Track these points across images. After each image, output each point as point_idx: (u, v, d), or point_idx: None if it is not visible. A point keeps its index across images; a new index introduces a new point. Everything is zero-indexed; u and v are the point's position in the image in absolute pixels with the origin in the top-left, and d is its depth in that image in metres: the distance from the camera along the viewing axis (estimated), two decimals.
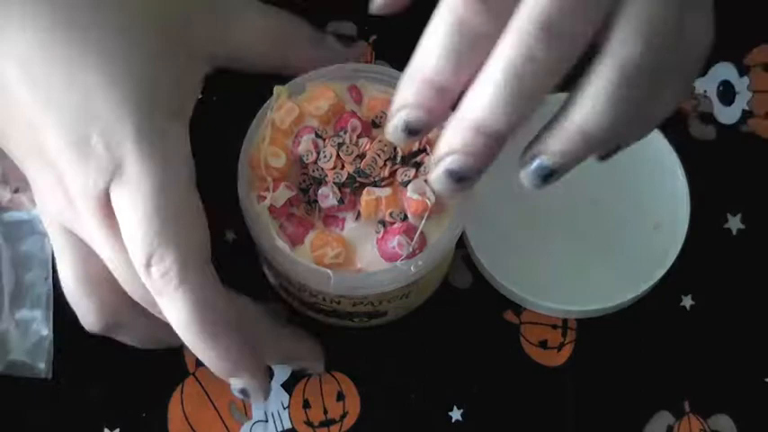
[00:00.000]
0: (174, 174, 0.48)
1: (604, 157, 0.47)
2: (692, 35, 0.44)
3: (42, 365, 0.57)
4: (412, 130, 0.44)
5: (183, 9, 0.51)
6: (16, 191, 0.58)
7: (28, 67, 0.48)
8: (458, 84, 0.43)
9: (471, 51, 0.42)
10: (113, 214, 0.48)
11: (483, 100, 0.42)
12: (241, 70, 0.52)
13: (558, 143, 0.43)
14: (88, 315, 0.51)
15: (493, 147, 0.43)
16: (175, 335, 0.49)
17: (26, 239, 0.58)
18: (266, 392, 0.52)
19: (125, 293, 0.50)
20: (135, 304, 0.51)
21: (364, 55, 0.60)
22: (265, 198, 0.50)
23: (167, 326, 0.50)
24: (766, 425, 0.58)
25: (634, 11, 0.42)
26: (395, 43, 0.60)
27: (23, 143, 0.49)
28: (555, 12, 0.41)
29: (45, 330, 0.57)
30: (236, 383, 0.51)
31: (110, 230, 0.48)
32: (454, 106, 0.43)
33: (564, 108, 0.43)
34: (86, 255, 0.50)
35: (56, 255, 0.52)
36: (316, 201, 0.50)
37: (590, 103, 0.42)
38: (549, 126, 0.43)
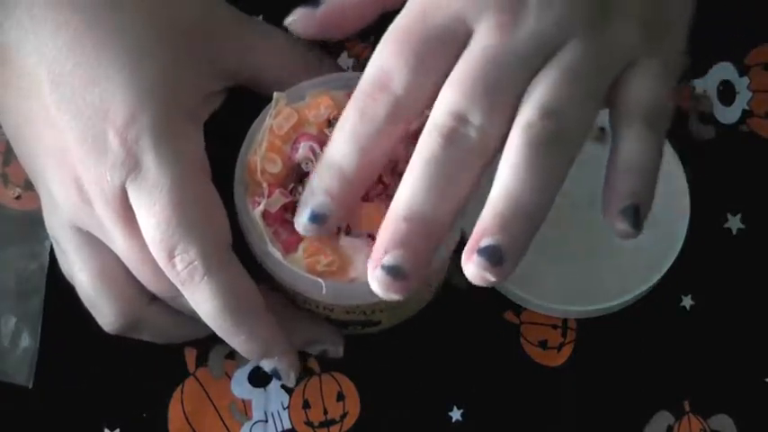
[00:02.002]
0: (190, 167, 0.49)
1: (636, 224, 0.47)
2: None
3: (24, 374, 0.57)
4: (317, 217, 0.47)
5: (208, 21, 0.52)
6: (18, 197, 0.58)
7: (54, 68, 0.49)
8: (362, 171, 0.47)
9: (373, 137, 0.46)
10: (131, 210, 0.49)
11: (408, 189, 0.45)
12: (257, 90, 0.53)
13: (491, 220, 0.44)
14: (108, 315, 0.52)
15: (427, 236, 0.45)
16: (194, 328, 0.52)
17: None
18: (297, 370, 0.53)
19: (143, 290, 0.51)
20: (153, 301, 0.52)
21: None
22: (259, 203, 0.50)
23: (186, 319, 0.51)
24: (766, 425, 0.58)
25: (535, 91, 0.45)
26: None
27: (40, 143, 0.50)
28: (465, 102, 0.45)
29: (28, 340, 0.57)
30: (267, 365, 0.52)
31: (127, 226, 0.49)
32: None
33: (492, 192, 0.45)
34: (102, 254, 0.51)
35: (68, 258, 0.52)
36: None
37: (509, 179, 0.44)
38: (484, 212, 0.45)
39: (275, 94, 0.51)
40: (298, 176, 0.50)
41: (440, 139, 0.45)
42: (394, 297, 0.45)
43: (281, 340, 0.52)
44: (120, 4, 0.49)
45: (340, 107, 0.51)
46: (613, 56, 0.46)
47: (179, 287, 0.49)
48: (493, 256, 0.44)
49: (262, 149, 0.50)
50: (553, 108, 0.44)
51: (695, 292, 0.59)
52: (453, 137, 0.44)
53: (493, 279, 0.44)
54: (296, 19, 0.52)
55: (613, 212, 0.47)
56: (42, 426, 0.57)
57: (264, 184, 0.50)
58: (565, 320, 0.58)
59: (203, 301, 0.49)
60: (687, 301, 0.59)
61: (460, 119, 0.44)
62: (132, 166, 0.48)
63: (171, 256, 0.48)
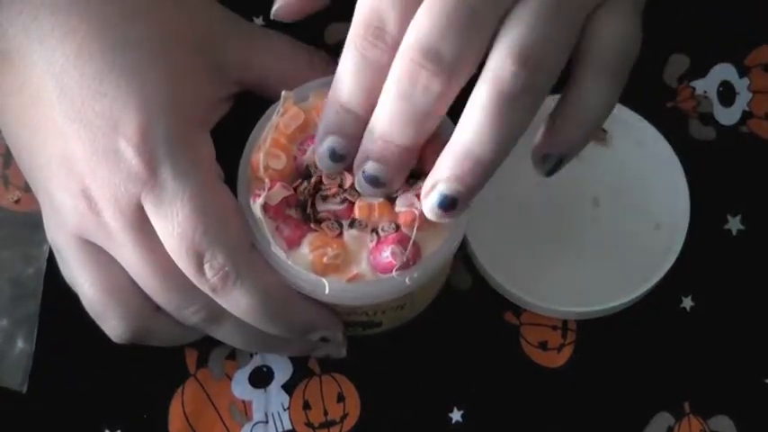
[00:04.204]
0: (207, 174, 0.49)
1: (550, 172, 0.50)
2: (602, 40, 0.47)
3: (19, 378, 0.57)
4: (336, 155, 0.49)
5: (213, 30, 0.52)
6: (18, 201, 0.58)
7: (62, 77, 0.49)
8: (371, 109, 0.47)
9: (378, 80, 0.47)
10: (144, 222, 0.49)
11: (379, 116, 0.47)
12: (263, 94, 0.53)
13: (449, 169, 0.46)
14: (116, 327, 0.52)
15: (403, 165, 0.48)
16: (200, 332, 0.53)
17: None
18: (344, 343, 0.55)
19: (149, 300, 0.51)
20: (159, 309, 0.52)
21: None
22: (259, 196, 0.49)
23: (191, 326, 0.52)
24: (766, 425, 0.58)
25: (510, 33, 0.45)
26: None
27: (44, 153, 0.50)
28: (434, 39, 0.45)
29: (22, 345, 0.57)
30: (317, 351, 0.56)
31: (139, 238, 0.49)
32: None
33: (454, 133, 0.46)
34: (108, 266, 0.51)
35: (72, 269, 0.52)
36: (313, 207, 0.50)
37: (471, 126, 0.45)
38: (442, 153, 0.46)
39: (283, 92, 0.51)
40: (303, 177, 0.50)
41: (409, 72, 0.45)
42: (441, 220, 0.47)
43: (321, 314, 0.52)
44: (127, 14, 0.50)
45: None
46: None
47: (211, 294, 0.49)
48: (446, 203, 0.46)
49: (266, 145, 0.50)
50: (526, 54, 0.44)
51: (695, 293, 0.59)
52: (421, 73, 0.45)
53: (445, 221, 0.47)
54: (278, 7, 0.52)
55: (539, 153, 0.49)
56: (43, 427, 0.57)
57: (266, 180, 0.50)
58: (565, 321, 0.58)
59: (239, 304, 0.50)
60: (687, 302, 0.59)
61: (431, 52, 0.45)
62: (148, 177, 0.48)
63: (200, 265, 0.48)
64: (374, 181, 0.48)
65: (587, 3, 0.47)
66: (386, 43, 0.46)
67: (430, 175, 0.47)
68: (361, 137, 0.48)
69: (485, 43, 0.45)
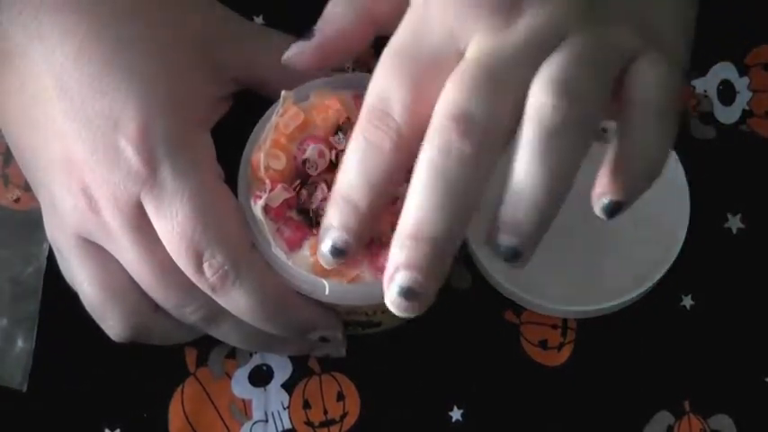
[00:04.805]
0: (206, 174, 0.49)
1: (612, 215, 0.47)
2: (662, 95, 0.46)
3: (19, 377, 0.57)
4: (338, 252, 0.47)
5: (212, 29, 0.52)
6: (17, 200, 0.59)
7: (62, 77, 0.49)
8: (373, 200, 0.45)
9: (380, 167, 0.45)
10: (144, 220, 0.49)
11: (414, 205, 0.43)
12: (263, 94, 0.53)
13: (505, 216, 0.44)
14: (115, 326, 0.52)
15: (439, 252, 0.44)
16: (200, 330, 0.53)
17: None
18: (344, 343, 0.55)
19: (148, 298, 0.51)
20: (159, 307, 0.52)
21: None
22: (261, 198, 0.50)
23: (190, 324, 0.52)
24: (766, 425, 0.58)
25: (546, 72, 0.43)
26: None
27: (45, 152, 0.50)
28: (464, 99, 0.43)
29: (22, 344, 0.57)
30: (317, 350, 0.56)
31: (138, 236, 0.49)
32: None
33: (506, 183, 0.44)
34: (107, 265, 0.51)
35: (72, 268, 0.52)
36: (313, 210, 0.50)
37: (518, 166, 0.43)
38: (503, 196, 0.44)
39: (283, 92, 0.51)
40: (302, 177, 0.51)
41: (440, 144, 0.43)
42: (409, 316, 0.45)
43: (321, 313, 0.52)
44: (127, 13, 0.50)
45: (348, 110, 0.51)
46: (614, 48, 0.45)
47: (210, 293, 0.49)
48: (510, 253, 0.45)
49: (266, 146, 0.50)
50: (563, 86, 0.43)
51: (695, 292, 0.59)
52: (454, 139, 0.43)
53: (509, 269, 0.45)
54: (291, 54, 0.51)
55: (600, 198, 0.46)
56: (43, 426, 0.57)
57: (267, 181, 0.50)
58: (565, 320, 0.58)
59: (239, 303, 0.50)
60: (687, 301, 0.59)
61: (460, 117, 0.43)
62: (148, 176, 0.48)
63: (199, 265, 0.49)
64: (411, 294, 0.44)
65: (619, 52, 0.46)
66: (389, 126, 0.45)
67: (492, 223, 0.44)
68: (365, 231, 0.46)
69: (515, 104, 0.44)
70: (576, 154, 0.44)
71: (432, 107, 0.44)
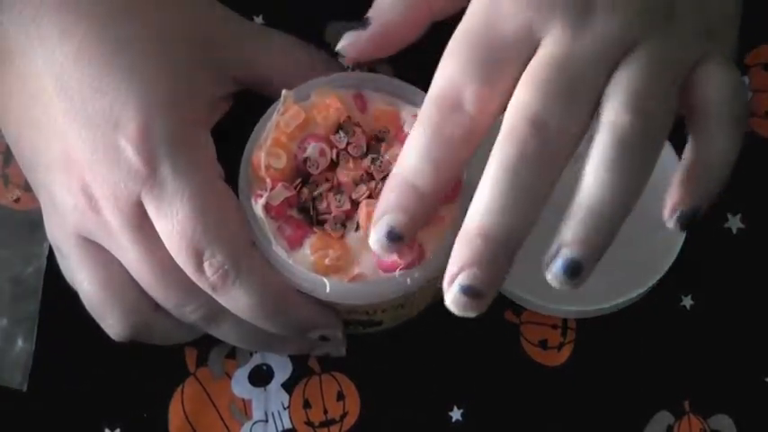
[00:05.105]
0: (207, 173, 0.49)
1: (687, 227, 0.46)
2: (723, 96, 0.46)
3: (19, 377, 0.57)
4: (395, 236, 0.45)
5: (212, 29, 0.52)
6: (17, 200, 0.59)
7: (62, 77, 0.49)
8: (437, 187, 0.45)
9: (448, 156, 0.45)
10: (143, 219, 0.49)
11: (484, 204, 0.43)
12: (264, 93, 0.53)
13: (572, 232, 0.43)
14: (115, 325, 0.52)
15: (504, 252, 0.43)
16: (200, 330, 0.53)
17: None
18: (344, 342, 0.55)
19: (148, 298, 0.51)
20: (159, 307, 0.52)
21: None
22: (261, 196, 0.50)
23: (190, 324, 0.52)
24: (766, 425, 0.58)
25: (620, 87, 0.43)
26: None
27: (45, 152, 0.50)
28: (541, 105, 0.43)
29: (22, 344, 0.57)
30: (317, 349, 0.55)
31: (138, 235, 0.49)
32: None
33: (576, 195, 0.43)
34: (107, 264, 0.51)
35: (72, 267, 0.52)
36: (314, 209, 0.50)
37: (592, 181, 0.43)
38: (565, 216, 0.44)
39: (283, 91, 0.51)
40: (303, 176, 0.51)
41: (516, 147, 0.43)
42: (469, 315, 0.44)
43: (321, 312, 0.52)
44: (127, 12, 0.50)
45: (349, 109, 0.51)
46: (684, 51, 0.45)
47: (210, 293, 0.49)
48: (572, 268, 0.44)
49: (267, 144, 0.50)
50: (640, 105, 0.43)
51: (695, 292, 0.59)
52: (530, 145, 0.43)
53: (570, 288, 0.44)
54: (346, 44, 0.51)
55: (674, 210, 0.46)
56: (43, 426, 0.57)
57: (268, 180, 0.50)
58: (565, 320, 0.58)
59: (239, 302, 0.50)
60: (687, 301, 0.59)
61: (537, 124, 0.43)
62: (148, 175, 0.48)
63: (199, 264, 0.49)
64: (474, 293, 0.44)
65: (688, 57, 0.46)
66: (462, 118, 0.44)
67: (553, 241, 0.44)
68: (424, 217, 0.46)
69: (589, 112, 0.44)
70: (648, 168, 0.44)
71: (502, 98, 0.44)
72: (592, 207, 0.43)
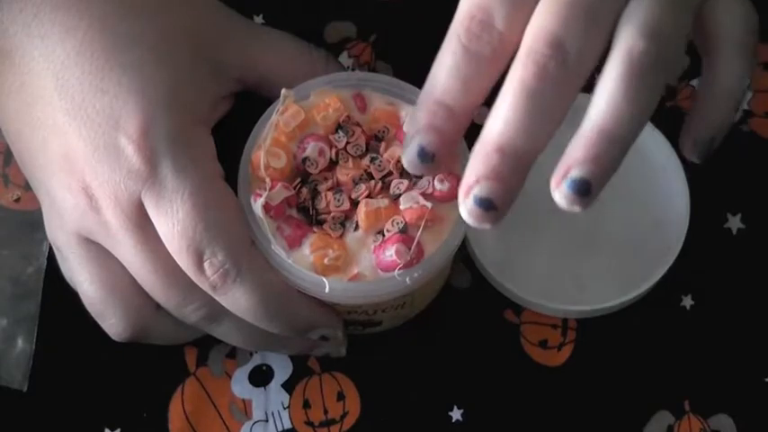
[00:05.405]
0: (207, 172, 0.49)
1: (704, 156, 0.49)
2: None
3: (19, 377, 0.57)
4: (426, 155, 0.45)
5: (213, 28, 0.52)
6: (17, 200, 0.59)
7: (63, 74, 0.49)
8: (467, 106, 0.45)
9: (477, 73, 0.44)
10: (144, 219, 0.49)
11: (502, 120, 0.43)
12: (265, 94, 0.53)
13: (583, 150, 0.43)
14: (116, 325, 0.52)
15: (519, 168, 0.44)
16: (200, 330, 0.52)
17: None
18: (344, 342, 0.55)
19: (149, 298, 0.51)
20: (160, 307, 0.52)
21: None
22: (261, 196, 0.50)
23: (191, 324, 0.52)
24: (766, 425, 0.58)
25: (636, 12, 0.44)
26: (395, 43, 0.61)
27: (45, 151, 0.50)
28: (560, 28, 0.43)
29: (22, 344, 0.57)
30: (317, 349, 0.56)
31: (139, 235, 0.49)
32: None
33: (586, 113, 0.44)
34: (107, 264, 0.51)
35: (72, 268, 0.52)
36: (314, 208, 0.50)
37: (604, 102, 0.43)
38: (574, 137, 0.44)
39: (283, 90, 0.51)
40: (303, 176, 0.51)
41: (535, 68, 0.43)
42: (484, 227, 0.44)
43: (321, 312, 0.52)
44: (128, 11, 0.50)
45: (348, 109, 0.51)
46: None
47: (210, 292, 0.49)
48: (581, 187, 0.44)
49: (266, 144, 0.50)
50: (654, 30, 0.44)
51: (695, 292, 0.59)
52: (549, 66, 0.43)
53: (578, 209, 0.44)
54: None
55: (691, 139, 0.49)
56: (43, 426, 0.57)
57: (267, 179, 0.50)
58: (565, 320, 0.58)
59: (239, 302, 0.50)
60: (687, 301, 0.59)
61: (556, 46, 0.43)
62: (148, 174, 0.48)
63: (200, 263, 0.49)
64: (488, 205, 0.44)
65: None
66: (492, 36, 0.44)
67: (561, 161, 0.44)
68: (455, 136, 0.46)
69: (609, 31, 0.44)
70: (658, 92, 0.44)
71: (529, 19, 0.44)
72: (603, 128, 0.43)
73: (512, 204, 0.44)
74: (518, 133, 0.43)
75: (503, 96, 0.44)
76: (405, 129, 0.48)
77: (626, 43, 0.44)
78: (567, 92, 0.44)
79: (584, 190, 0.44)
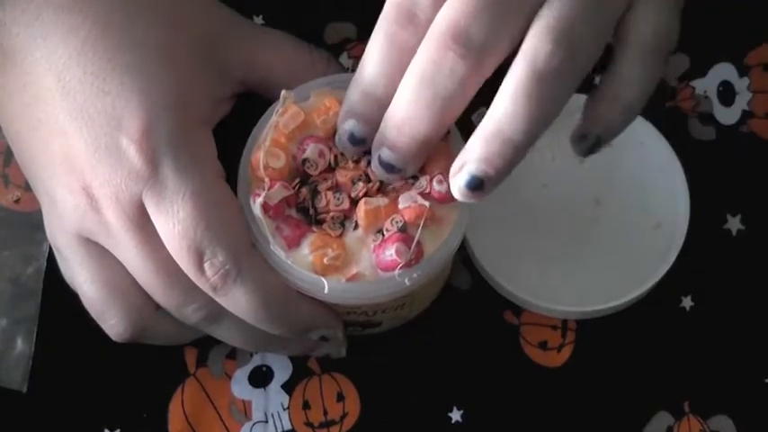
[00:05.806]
0: (208, 173, 0.49)
1: (587, 152, 0.49)
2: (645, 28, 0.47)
3: (18, 378, 0.57)
4: (356, 140, 0.49)
5: (216, 29, 0.52)
6: (17, 200, 0.59)
7: (65, 75, 0.49)
8: (392, 94, 0.47)
9: (401, 62, 0.46)
10: (145, 220, 0.49)
11: (401, 102, 0.46)
12: (265, 95, 0.53)
13: (479, 149, 0.45)
14: (116, 325, 0.52)
15: (413, 146, 0.47)
16: (200, 331, 0.52)
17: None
18: (344, 342, 0.55)
19: (150, 298, 0.51)
20: (160, 307, 0.52)
21: None
22: (260, 195, 0.49)
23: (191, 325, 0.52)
24: (766, 425, 0.58)
25: (548, 15, 0.44)
26: None
27: (46, 151, 0.50)
28: (464, 21, 0.44)
29: (22, 345, 0.57)
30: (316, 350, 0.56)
31: (140, 235, 0.49)
32: None
33: (487, 113, 0.45)
34: (108, 264, 0.51)
35: (72, 268, 0.52)
36: (313, 207, 0.50)
37: (503, 105, 0.45)
38: (474, 131, 0.46)
39: (283, 91, 0.51)
40: (302, 177, 0.51)
41: (438, 61, 0.45)
42: (469, 201, 0.47)
43: (321, 313, 0.52)
44: (130, 12, 0.50)
45: None
46: None
47: (210, 293, 0.49)
48: (474, 183, 0.46)
49: (266, 144, 0.50)
50: (564, 35, 0.44)
51: (695, 293, 0.59)
52: (450, 55, 0.44)
53: (472, 201, 0.47)
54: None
55: (578, 133, 0.49)
56: (42, 427, 0.57)
57: (266, 179, 0.50)
58: (565, 321, 0.58)
59: (239, 303, 0.50)
60: (687, 302, 0.59)
61: (461, 34, 0.44)
62: (149, 175, 0.48)
63: (200, 264, 0.48)
64: (389, 167, 0.48)
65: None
66: (416, 27, 0.46)
67: (460, 154, 0.46)
68: (379, 122, 0.48)
69: (519, 29, 0.45)
70: (560, 101, 0.45)
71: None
72: (499, 129, 0.45)
73: (411, 171, 0.49)
74: (415, 117, 0.46)
75: (405, 75, 0.46)
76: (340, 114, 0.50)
77: (532, 46, 0.44)
78: (466, 85, 0.45)
79: (477, 186, 0.46)
